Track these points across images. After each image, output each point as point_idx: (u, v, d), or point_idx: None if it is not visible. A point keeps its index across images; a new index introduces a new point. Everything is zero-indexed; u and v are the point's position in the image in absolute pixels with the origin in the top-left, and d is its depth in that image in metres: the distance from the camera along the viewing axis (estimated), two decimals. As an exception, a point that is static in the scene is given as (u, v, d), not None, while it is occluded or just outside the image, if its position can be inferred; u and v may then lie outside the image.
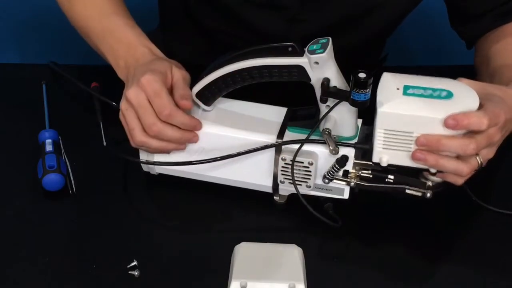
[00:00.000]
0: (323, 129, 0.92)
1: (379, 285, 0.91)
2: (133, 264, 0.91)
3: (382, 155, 0.90)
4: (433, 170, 0.91)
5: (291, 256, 0.90)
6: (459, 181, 0.92)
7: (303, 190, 0.95)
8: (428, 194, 0.93)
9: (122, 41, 1.03)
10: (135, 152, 1.00)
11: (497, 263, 0.94)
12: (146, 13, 1.31)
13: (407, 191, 0.93)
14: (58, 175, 1.00)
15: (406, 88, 0.89)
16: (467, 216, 1.00)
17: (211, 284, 0.90)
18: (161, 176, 1.03)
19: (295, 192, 0.96)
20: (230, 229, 0.98)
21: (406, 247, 0.97)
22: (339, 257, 0.94)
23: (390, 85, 0.89)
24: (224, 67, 0.93)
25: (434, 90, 0.89)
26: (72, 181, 1.02)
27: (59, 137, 1.08)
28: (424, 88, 0.89)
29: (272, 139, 0.95)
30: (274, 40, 0.92)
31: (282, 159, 0.94)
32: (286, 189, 0.98)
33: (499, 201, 0.99)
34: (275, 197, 1.00)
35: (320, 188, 0.96)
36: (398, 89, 0.89)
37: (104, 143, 1.08)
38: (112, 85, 1.18)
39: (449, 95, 0.88)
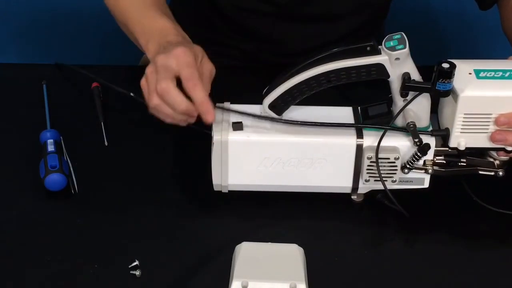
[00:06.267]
0: (408, 123, 0.94)
1: (380, 285, 0.91)
2: (134, 264, 0.91)
3: (460, 139, 0.94)
4: (509, 148, 0.94)
5: (292, 256, 0.90)
6: None
7: (388, 185, 0.96)
8: (501, 173, 0.97)
9: (156, 26, 1.03)
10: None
11: (497, 263, 0.95)
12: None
13: (480, 172, 0.97)
14: (60, 175, 1.00)
15: (477, 72, 0.93)
16: (467, 216, 1.00)
17: (212, 284, 0.90)
18: (163, 177, 1.03)
19: (374, 189, 0.98)
20: (231, 229, 0.98)
21: (406, 247, 0.98)
22: (340, 257, 0.94)
23: (460, 71, 0.91)
24: (298, 75, 0.93)
25: (504, 71, 0.93)
26: (74, 181, 1.02)
27: (61, 137, 1.08)
28: (495, 71, 0.93)
29: (352, 140, 0.95)
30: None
31: (367, 157, 0.95)
32: (365, 187, 0.98)
33: (499, 201, 1.00)
34: (353, 197, 1.00)
35: (401, 181, 0.97)
36: (470, 74, 0.93)
37: (106, 143, 1.09)
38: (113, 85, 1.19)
39: None
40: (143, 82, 0.95)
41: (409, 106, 0.94)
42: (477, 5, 1.22)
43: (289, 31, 1.24)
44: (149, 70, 0.95)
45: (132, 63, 1.37)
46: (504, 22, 1.18)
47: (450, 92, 0.92)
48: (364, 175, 0.96)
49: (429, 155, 0.96)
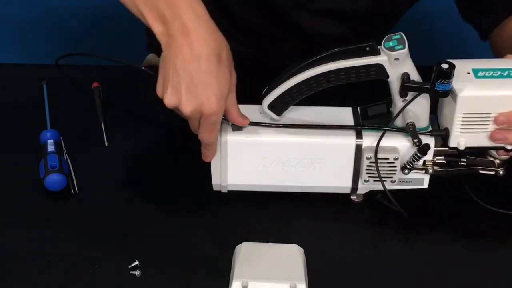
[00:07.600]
0: (407, 123, 0.95)
1: (380, 285, 0.91)
2: (134, 264, 0.91)
3: (460, 139, 0.94)
4: (509, 147, 0.95)
5: (292, 256, 0.90)
6: None
7: (387, 186, 0.96)
8: (501, 172, 0.97)
9: (175, 6, 0.91)
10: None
11: (497, 263, 0.95)
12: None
13: (480, 171, 0.97)
14: (60, 175, 1.00)
15: (475, 71, 0.93)
16: (467, 216, 1.00)
17: (212, 284, 0.90)
18: (163, 176, 1.03)
19: (373, 189, 0.98)
20: (231, 229, 0.98)
21: (406, 247, 0.98)
22: (340, 257, 0.94)
23: (458, 71, 0.91)
24: (298, 75, 0.93)
25: (502, 70, 0.93)
26: (74, 181, 1.02)
27: (61, 137, 1.08)
28: (493, 70, 0.93)
29: (351, 140, 0.96)
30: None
31: (367, 158, 0.95)
32: (364, 187, 0.99)
33: (499, 201, 1.00)
34: (352, 197, 1.00)
35: (401, 181, 0.97)
36: (468, 73, 0.93)
37: (106, 143, 1.09)
38: (113, 85, 1.19)
39: None
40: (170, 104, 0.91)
41: (408, 107, 0.94)
42: (478, 35, 1.22)
43: (290, 31, 1.24)
44: (168, 101, 0.90)
45: (133, 63, 1.37)
46: (496, 52, 1.18)
47: (450, 93, 0.92)
48: (364, 175, 0.96)
49: (429, 155, 0.96)
